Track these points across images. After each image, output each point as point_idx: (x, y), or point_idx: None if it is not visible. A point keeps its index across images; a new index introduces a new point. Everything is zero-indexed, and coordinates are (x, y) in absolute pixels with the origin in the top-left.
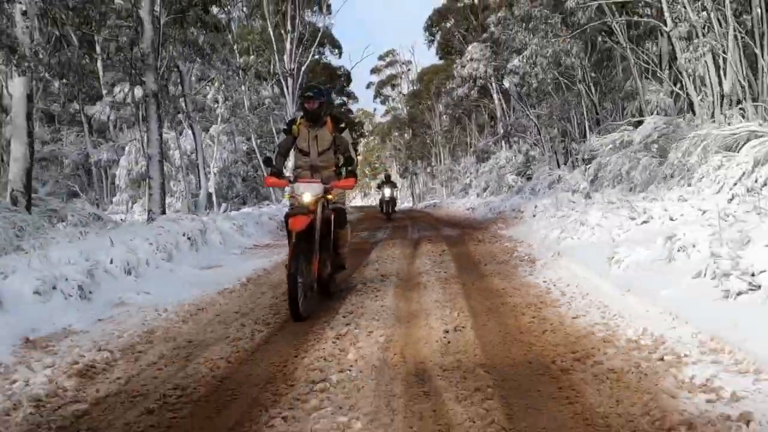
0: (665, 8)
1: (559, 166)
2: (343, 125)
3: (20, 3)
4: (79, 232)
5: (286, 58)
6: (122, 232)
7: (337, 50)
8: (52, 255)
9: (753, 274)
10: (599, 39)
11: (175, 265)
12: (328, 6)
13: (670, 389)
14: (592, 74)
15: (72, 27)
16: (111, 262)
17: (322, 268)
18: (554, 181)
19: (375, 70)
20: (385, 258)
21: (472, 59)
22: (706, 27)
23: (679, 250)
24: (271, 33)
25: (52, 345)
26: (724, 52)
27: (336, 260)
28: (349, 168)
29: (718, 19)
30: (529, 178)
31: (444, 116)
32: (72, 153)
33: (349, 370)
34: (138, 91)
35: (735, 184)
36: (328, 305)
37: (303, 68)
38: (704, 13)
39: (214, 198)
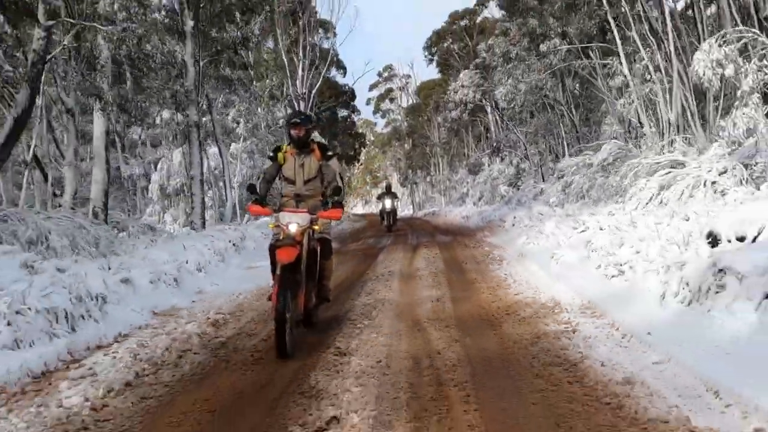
0: (598, 71)
1: (543, 180)
2: (330, 153)
3: (99, 60)
4: (149, 240)
5: (298, 82)
6: (183, 239)
7: (342, 70)
8: (150, 256)
9: (620, 264)
10: (574, 71)
11: (226, 265)
12: (335, 33)
13: (548, 324)
14: (572, 96)
15: (133, 73)
16: (187, 262)
17: (307, 300)
18: (538, 194)
19: (374, 86)
20: (390, 259)
21: (463, 86)
22: (646, 76)
23: (592, 251)
24: (285, 59)
25: (174, 314)
26: (664, 93)
27: (321, 292)
28: (336, 198)
29: (657, 70)
30: (519, 189)
31: (442, 128)
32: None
33: (374, 317)
34: (165, 115)
35: (647, 203)
36: (361, 283)
37: (313, 91)
38: (642, 63)
39: (237, 209)
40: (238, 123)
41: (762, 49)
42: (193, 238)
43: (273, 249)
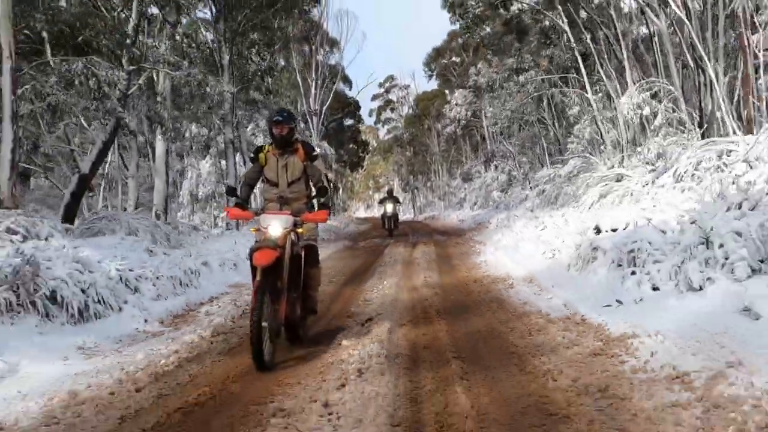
0: (546, 111)
1: (530, 187)
2: (315, 153)
3: (162, 94)
4: (202, 237)
5: (311, 99)
6: (231, 237)
7: (348, 84)
8: (210, 247)
9: (553, 249)
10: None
11: None
12: (342, 54)
13: (498, 286)
14: (554, 113)
15: (176, 101)
16: (239, 254)
17: (290, 310)
18: (523, 199)
19: (377, 96)
20: (394, 252)
21: (457, 104)
22: (601, 104)
23: (542, 244)
24: (299, 79)
25: (241, 287)
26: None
27: (306, 303)
28: (322, 200)
29: (603, 103)
30: (508, 195)
31: (441, 137)
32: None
33: (385, 284)
34: (194, 130)
35: (589, 207)
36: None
37: (325, 107)
38: (597, 95)
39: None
40: (255, 136)
41: (668, 95)
42: (235, 235)
43: (252, 252)
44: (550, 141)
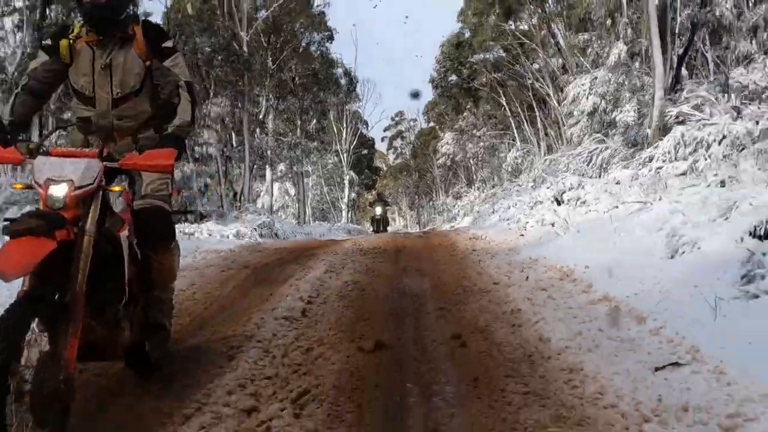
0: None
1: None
2: (170, 44)
3: (266, 135)
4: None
5: (342, 141)
6: (310, 227)
7: (365, 125)
8: (309, 231)
9: (525, 227)
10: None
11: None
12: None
13: (467, 252)
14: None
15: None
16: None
17: (114, 334)
18: (492, 211)
19: (387, 128)
20: (395, 242)
21: (447, 143)
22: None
23: (508, 220)
24: (334, 128)
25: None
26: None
27: (149, 315)
28: (178, 125)
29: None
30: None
31: (438, 167)
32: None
33: (384, 258)
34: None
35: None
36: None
37: (351, 146)
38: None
39: (310, 217)
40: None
41: (534, 155)
42: (310, 226)
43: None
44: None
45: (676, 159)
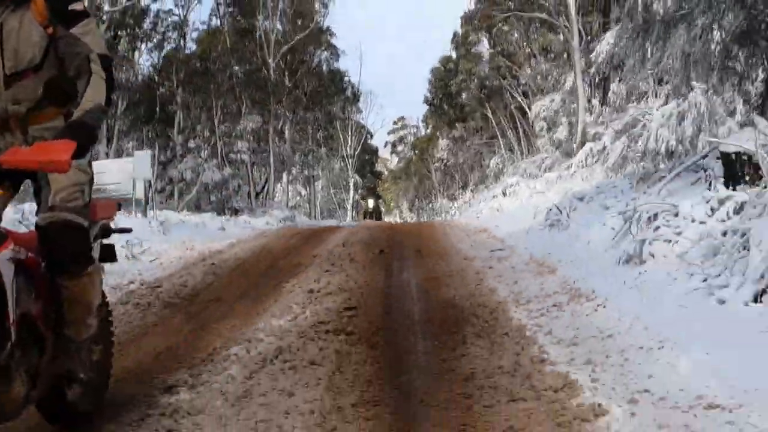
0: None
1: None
2: (79, 6)
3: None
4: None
5: (348, 147)
6: (319, 222)
7: (370, 135)
8: (320, 223)
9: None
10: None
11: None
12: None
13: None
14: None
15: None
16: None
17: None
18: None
19: (390, 132)
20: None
21: (441, 149)
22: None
23: (476, 210)
24: (340, 135)
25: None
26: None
27: (58, 361)
28: (87, 109)
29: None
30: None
31: (436, 171)
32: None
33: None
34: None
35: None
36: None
37: (356, 152)
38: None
39: (319, 215)
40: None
41: (512, 163)
42: (321, 221)
43: None
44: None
45: (586, 166)
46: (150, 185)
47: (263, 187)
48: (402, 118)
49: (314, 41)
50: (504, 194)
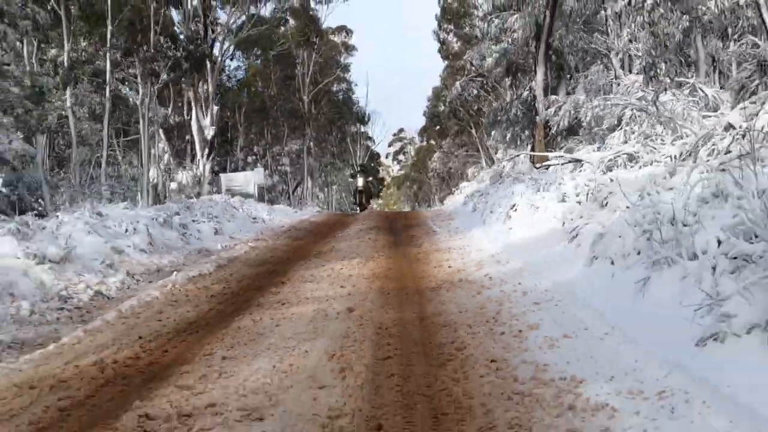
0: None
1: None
2: None
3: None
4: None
5: (357, 158)
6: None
7: (372, 141)
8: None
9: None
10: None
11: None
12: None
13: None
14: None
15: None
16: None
17: None
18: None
19: (391, 143)
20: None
21: (435, 160)
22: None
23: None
24: (351, 148)
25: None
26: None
27: None
28: None
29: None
30: None
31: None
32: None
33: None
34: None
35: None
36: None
37: (364, 161)
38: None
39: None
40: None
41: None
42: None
43: None
44: None
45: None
46: (263, 188)
47: (294, 190)
48: (401, 130)
49: (336, 79)
50: (460, 191)
